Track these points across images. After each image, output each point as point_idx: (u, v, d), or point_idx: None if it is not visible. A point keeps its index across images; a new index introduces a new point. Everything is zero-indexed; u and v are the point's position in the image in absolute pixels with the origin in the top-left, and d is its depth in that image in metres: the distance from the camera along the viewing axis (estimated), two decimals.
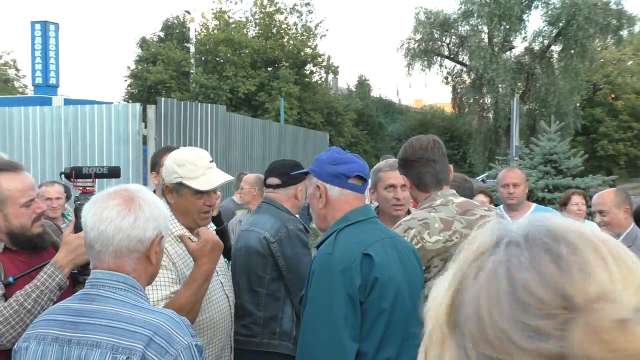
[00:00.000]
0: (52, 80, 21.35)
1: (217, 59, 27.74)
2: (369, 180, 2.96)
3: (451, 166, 3.22)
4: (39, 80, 21.46)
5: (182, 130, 10.21)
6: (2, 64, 39.17)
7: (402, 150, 3.19)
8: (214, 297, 3.00)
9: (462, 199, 3.16)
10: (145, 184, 8.59)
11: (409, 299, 2.53)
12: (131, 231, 1.93)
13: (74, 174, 2.75)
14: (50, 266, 2.63)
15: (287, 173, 4.11)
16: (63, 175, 2.88)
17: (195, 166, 2.90)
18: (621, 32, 33.65)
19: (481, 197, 6.98)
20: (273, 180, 4.19)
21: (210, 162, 2.98)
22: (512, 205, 5.30)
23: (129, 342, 1.81)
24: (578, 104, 36.00)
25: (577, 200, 6.39)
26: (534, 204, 5.53)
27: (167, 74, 26.55)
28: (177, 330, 1.87)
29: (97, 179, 2.79)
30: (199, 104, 10.95)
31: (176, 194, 2.94)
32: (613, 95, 43.59)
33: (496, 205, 6.91)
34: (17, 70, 39.73)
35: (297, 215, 4.18)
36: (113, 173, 2.78)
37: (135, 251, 1.95)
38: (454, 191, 3.16)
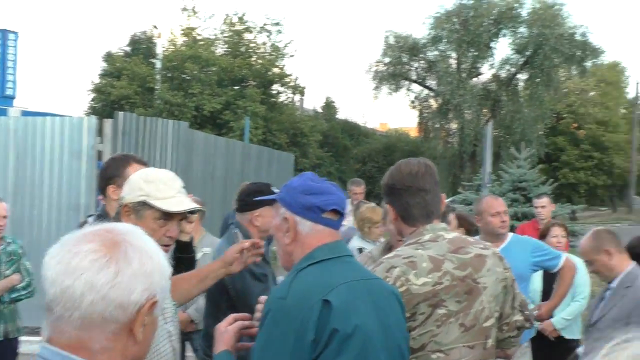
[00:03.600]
0: (9, 91, 20.56)
1: (184, 75, 27.21)
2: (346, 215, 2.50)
3: (443, 196, 2.75)
4: None
5: (140, 146, 9.67)
6: None
7: (389, 176, 2.70)
8: (158, 349, 2.50)
9: (455, 234, 2.70)
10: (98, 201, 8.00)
11: (383, 350, 2.08)
12: (109, 290, 1.30)
13: None
14: None
15: (243, 198, 4.03)
16: None
17: (165, 185, 2.49)
18: (585, 63, 33.96)
19: (455, 223, 6.55)
20: (234, 204, 4.23)
21: (182, 187, 2.56)
22: (501, 234, 4.89)
23: None
24: (542, 132, 36.20)
25: (557, 232, 6.00)
26: (511, 233, 5.15)
27: (132, 89, 25.90)
28: None
29: None
30: (160, 119, 10.46)
31: (135, 215, 2.49)
32: (575, 125, 44.14)
33: (468, 231, 6.49)
34: None
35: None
36: None
37: (113, 321, 1.31)
38: (445, 225, 2.70)
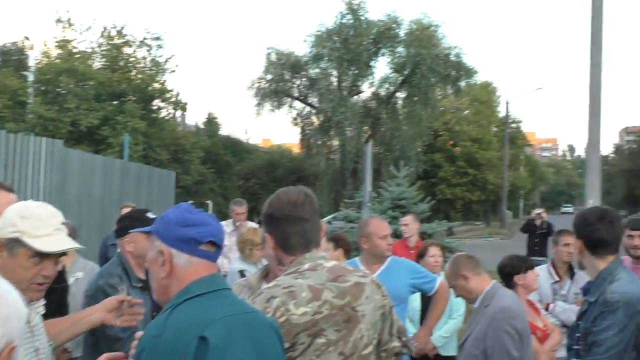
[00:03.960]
0: None
1: (58, 89, 26.24)
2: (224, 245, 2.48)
3: (323, 224, 2.78)
4: None
5: (10, 166, 9.21)
6: None
7: (268, 204, 2.70)
8: None
9: (333, 262, 2.72)
10: None
11: None
12: None
13: None
14: None
15: (116, 224, 4.05)
16: None
17: (42, 223, 2.37)
18: (460, 83, 35.36)
19: (325, 246, 6.61)
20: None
21: (62, 224, 2.45)
22: (386, 257, 4.98)
23: None
24: (420, 149, 37.34)
25: (434, 251, 6.21)
26: (390, 258, 5.21)
27: (1, 102, 24.72)
28: None
29: None
30: (32, 137, 10.00)
31: (7, 252, 2.36)
32: (451, 142, 45.89)
33: (346, 251, 6.58)
34: None
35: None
36: None
37: None
38: (324, 253, 2.72)
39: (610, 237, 3.41)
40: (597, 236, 3.39)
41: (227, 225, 8.66)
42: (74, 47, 28.22)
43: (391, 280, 4.75)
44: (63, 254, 2.52)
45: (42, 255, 2.38)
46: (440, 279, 5.07)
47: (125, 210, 7.49)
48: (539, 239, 12.77)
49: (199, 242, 2.14)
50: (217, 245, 2.20)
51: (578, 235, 3.46)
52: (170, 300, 2.13)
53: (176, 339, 1.95)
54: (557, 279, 5.83)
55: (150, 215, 3.91)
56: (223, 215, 32.20)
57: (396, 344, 2.79)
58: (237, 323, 2.07)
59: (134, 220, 3.97)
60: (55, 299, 3.22)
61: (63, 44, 27.87)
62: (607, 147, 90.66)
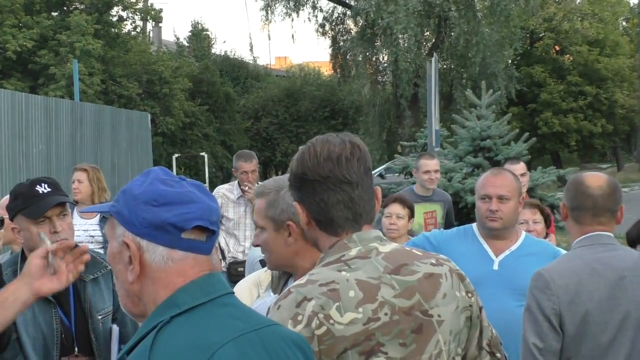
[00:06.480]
0: None
1: None
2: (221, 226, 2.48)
3: (378, 189, 2.76)
4: None
5: None
6: None
7: (298, 160, 2.67)
8: None
9: (393, 245, 2.72)
10: None
11: None
12: None
13: None
14: None
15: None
16: None
17: None
18: None
19: (397, 209, 6.59)
20: None
21: None
22: (496, 231, 4.82)
23: None
24: (511, 62, 36.96)
25: (526, 215, 6.16)
26: (524, 233, 5.03)
27: None
28: None
29: None
30: None
31: None
32: (557, 47, 45.26)
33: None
34: None
35: None
36: None
37: None
38: (378, 232, 2.71)
39: None
40: None
41: (230, 190, 8.71)
42: None
43: (519, 268, 4.63)
44: None
45: None
46: None
47: (80, 175, 7.57)
48: None
49: (181, 229, 2.10)
50: (210, 230, 2.15)
51: None
52: (150, 315, 2.11)
53: None
54: None
55: (40, 189, 3.77)
56: (226, 173, 32.39)
57: None
58: (252, 344, 2.06)
59: (16, 198, 3.84)
60: None
61: None
62: None
